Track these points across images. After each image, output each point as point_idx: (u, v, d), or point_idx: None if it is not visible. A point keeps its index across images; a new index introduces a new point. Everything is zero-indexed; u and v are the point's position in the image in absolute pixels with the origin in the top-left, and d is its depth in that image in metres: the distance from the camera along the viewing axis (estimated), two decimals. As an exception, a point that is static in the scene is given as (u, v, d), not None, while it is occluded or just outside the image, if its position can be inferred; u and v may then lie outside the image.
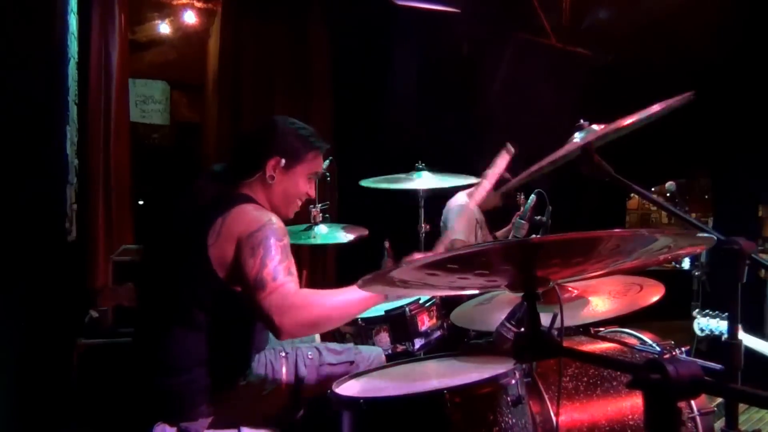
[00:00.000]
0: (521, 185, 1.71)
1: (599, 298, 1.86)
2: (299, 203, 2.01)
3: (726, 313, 2.20)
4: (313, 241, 2.85)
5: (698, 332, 2.23)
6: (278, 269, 1.65)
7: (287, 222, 1.91)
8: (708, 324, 2.21)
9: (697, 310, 2.26)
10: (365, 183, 3.20)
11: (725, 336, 2.13)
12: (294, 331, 1.64)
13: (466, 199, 3.51)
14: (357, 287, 1.44)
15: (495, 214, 3.58)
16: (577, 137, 1.47)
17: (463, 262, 1.02)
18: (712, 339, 2.21)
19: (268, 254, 1.67)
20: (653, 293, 1.79)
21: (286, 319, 1.61)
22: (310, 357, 1.93)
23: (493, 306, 1.91)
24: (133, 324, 1.94)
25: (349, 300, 1.70)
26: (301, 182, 1.97)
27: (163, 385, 1.77)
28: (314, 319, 1.66)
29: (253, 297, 1.64)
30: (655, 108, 1.38)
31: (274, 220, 1.76)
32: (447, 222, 3.55)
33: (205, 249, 1.72)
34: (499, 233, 3.63)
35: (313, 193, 2.04)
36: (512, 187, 1.58)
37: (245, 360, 1.85)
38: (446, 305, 2.54)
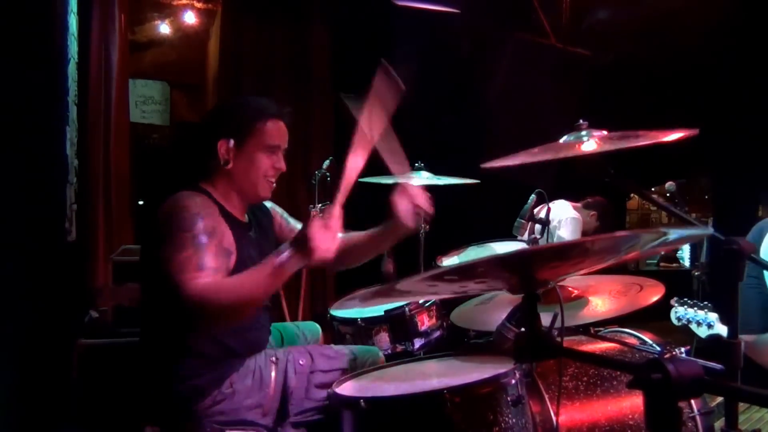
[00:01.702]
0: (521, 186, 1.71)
1: (599, 298, 1.86)
2: (271, 180, 1.86)
3: (704, 302, 2.15)
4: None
5: (675, 321, 2.15)
6: (184, 263, 1.57)
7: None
8: (686, 312, 2.14)
9: (675, 298, 2.17)
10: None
11: (701, 324, 2.08)
12: (214, 319, 1.58)
13: (576, 213, 3.89)
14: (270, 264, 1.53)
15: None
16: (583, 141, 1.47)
17: (461, 274, 1.02)
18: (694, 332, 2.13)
19: (175, 247, 1.59)
20: (653, 293, 1.79)
21: (205, 310, 1.53)
22: (301, 363, 1.86)
23: (493, 306, 1.91)
24: (135, 325, 1.91)
25: (258, 279, 1.56)
26: (258, 157, 1.81)
27: (150, 389, 1.77)
28: (230, 306, 1.56)
29: (173, 285, 1.56)
30: (662, 137, 1.37)
31: (187, 210, 1.65)
32: (555, 231, 3.76)
33: (151, 251, 1.67)
34: None
35: (283, 165, 1.86)
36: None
37: (230, 366, 1.79)
38: (446, 305, 2.54)
